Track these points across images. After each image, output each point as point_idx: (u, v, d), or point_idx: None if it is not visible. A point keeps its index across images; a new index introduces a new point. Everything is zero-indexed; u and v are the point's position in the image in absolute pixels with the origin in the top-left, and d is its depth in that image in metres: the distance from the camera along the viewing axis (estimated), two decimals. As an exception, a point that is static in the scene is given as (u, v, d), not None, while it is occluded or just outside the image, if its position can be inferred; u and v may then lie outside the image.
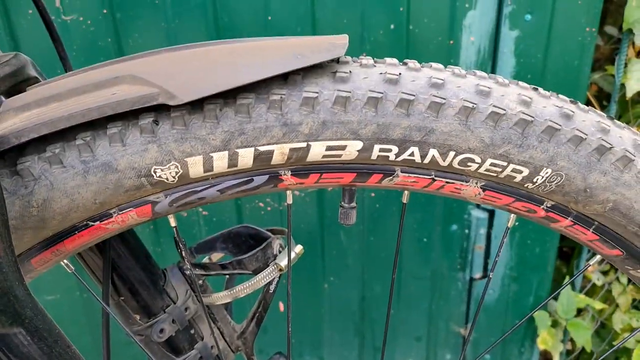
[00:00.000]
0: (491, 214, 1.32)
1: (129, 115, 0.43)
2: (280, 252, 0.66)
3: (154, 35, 1.10)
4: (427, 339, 1.49)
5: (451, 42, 1.15)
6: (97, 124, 0.43)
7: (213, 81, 0.41)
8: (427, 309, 1.44)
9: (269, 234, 0.69)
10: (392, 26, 1.12)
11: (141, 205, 0.47)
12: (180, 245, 0.59)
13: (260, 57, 0.43)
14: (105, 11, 1.07)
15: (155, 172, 0.44)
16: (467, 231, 1.37)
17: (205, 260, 0.74)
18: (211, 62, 0.43)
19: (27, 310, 0.40)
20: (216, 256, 0.74)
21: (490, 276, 0.57)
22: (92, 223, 0.47)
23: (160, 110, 0.43)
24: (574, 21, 1.14)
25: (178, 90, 0.41)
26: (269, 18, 1.09)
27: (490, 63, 1.19)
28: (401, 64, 0.47)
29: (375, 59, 0.48)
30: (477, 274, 1.41)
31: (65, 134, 0.43)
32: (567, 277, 1.56)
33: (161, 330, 0.61)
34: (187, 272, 0.65)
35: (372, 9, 1.11)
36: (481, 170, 0.47)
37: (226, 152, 0.44)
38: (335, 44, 0.44)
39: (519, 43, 1.16)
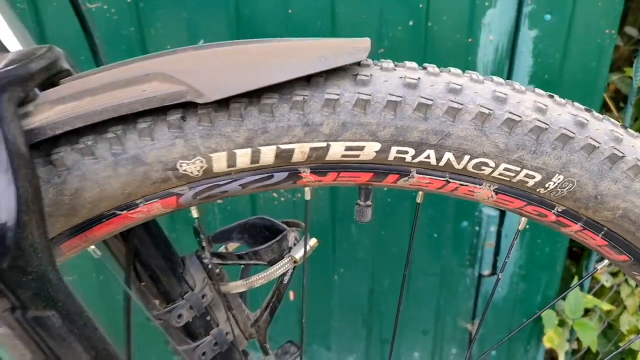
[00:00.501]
0: (502, 212, 1.33)
1: (158, 111, 0.45)
2: (295, 244, 0.68)
3: (175, 26, 1.12)
4: (434, 333, 1.51)
5: (470, 40, 1.16)
6: (127, 118, 0.45)
7: (239, 81, 0.43)
8: (435, 303, 1.46)
9: (284, 226, 0.71)
10: (411, 22, 1.13)
11: (166, 197, 0.49)
12: (201, 235, 0.61)
13: (285, 59, 0.45)
14: (129, 0, 1.09)
15: (181, 166, 0.46)
16: (477, 228, 1.38)
17: (222, 249, 0.76)
18: (238, 62, 0.45)
19: (59, 294, 0.42)
20: (232, 245, 0.76)
21: (500, 277, 0.58)
22: (120, 212, 0.49)
23: (188, 107, 0.45)
24: (593, 23, 1.14)
25: (206, 89, 0.43)
26: (290, 11, 1.11)
27: (507, 62, 1.19)
28: (421, 68, 0.49)
29: (395, 62, 0.49)
30: (486, 271, 1.42)
31: (97, 127, 0.45)
32: (576, 277, 1.56)
33: (179, 316, 0.64)
34: (205, 261, 0.67)
35: (391, 5, 1.11)
36: (495, 174, 0.48)
37: (249, 149, 0.46)
38: (358, 48, 0.46)
39: (538, 43, 1.16)
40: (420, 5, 1.11)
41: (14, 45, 0.55)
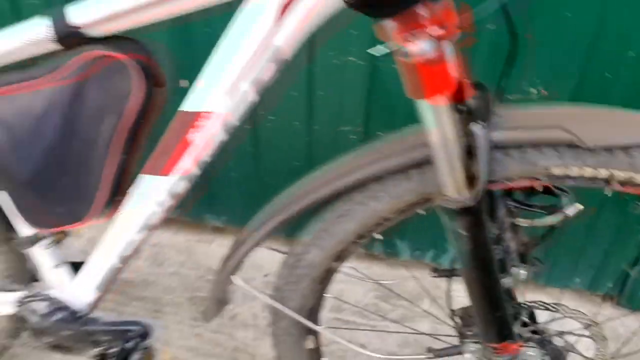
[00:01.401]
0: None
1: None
2: (566, 204, 1.10)
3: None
4: (597, 267, 1.90)
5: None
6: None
7: (607, 138, 0.83)
8: (606, 248, 1.84)
9: (558, 190, 1.12)
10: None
11: (529, 179, 0.93)
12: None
13: (633, 129, 0.84)
14: None
15: (552, 169, 0.89)
16: (662, 198, 1.69)
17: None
18: (607, 124, 0.84)
19: (488, 223, 0.89)
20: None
21: None
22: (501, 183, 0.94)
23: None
24: None
25: (587, 140, 0.84)
26: (568, 15, 1.42)
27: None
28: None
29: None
30: (657, 233, 1.76)
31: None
32: None
33: (491, 232, 1.10)
34: (508, 203, 1.12)
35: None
36: None
37: (591, 169, 0.87)
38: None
39: None
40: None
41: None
